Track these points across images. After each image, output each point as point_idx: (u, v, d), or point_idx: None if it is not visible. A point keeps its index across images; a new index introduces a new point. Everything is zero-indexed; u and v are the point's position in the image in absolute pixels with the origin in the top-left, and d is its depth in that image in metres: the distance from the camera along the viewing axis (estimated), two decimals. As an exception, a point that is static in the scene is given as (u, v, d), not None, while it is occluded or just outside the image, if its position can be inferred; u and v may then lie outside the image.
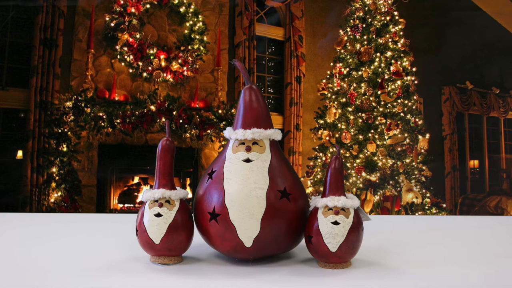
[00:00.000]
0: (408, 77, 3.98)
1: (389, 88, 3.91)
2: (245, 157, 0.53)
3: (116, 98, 4.15)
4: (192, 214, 0.58)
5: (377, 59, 3.96)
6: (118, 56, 4.29)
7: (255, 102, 0.55)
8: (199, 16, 4.68)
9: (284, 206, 0.52)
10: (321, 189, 4.20)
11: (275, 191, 0.51)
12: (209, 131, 4.42)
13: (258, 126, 0.54)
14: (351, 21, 4.19)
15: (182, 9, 4.64)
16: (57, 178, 3.82)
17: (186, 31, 4.65)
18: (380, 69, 3.95)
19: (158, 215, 0.55)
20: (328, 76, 4.31)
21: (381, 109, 3.87)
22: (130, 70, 4.36)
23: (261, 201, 0.51)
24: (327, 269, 0.54)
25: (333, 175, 0.56)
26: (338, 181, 0.56)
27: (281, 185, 0.52)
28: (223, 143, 4.61)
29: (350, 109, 3.98)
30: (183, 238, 0.56)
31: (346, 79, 4.10)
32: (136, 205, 4.58)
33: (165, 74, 4.43)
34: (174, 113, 4.23)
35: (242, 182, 0.52)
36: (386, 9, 4.12)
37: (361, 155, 3.86)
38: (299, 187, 0.55)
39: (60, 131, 3.83)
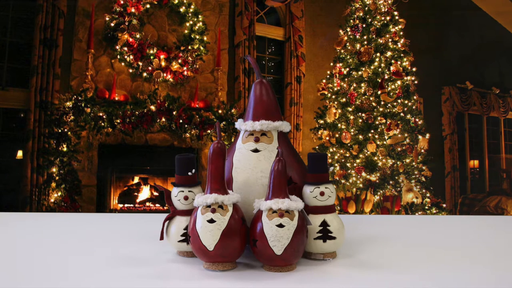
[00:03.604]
0: (408, 77, 3.98)
1: (389, 88, 3.91)
2: (254, 147, 0.56)
3: (116, 98, 4.15)
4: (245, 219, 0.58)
5: (377, 59, 3.96)
6: (118, 56, 4.29)
7: (265, 96, 0.58)
8: (199, 16, 4.68)
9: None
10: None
11: None
12: (209, 131, 4.42)
13: (266, 118, 0.56)
14: (351, 21, 4.19)
15: (182, 9, 4.64)
16: (57, 178, 3.81)
17: (186, 31, 4.65)
18: (380, 69, 3.95)
19: (211, 221, 0.54)
20: (328, 76, 4.31)
21: (381, 109, 3.87)
22: (130, 70, 4.35)
23: (266, 188, 0.54)
24: (272, 272, 0.54)
25: (276, 177, 0.54)
26: (282, 184, 0.55)
27: (287, 175, 0.56)
28: (223, 143, 4.60)
29: (350, 109, 3.98)
30: (237, 244, 0.55)
31: (346, 79, 4.10)
32: (136, 205, 4.58)
33: (165, 74, 4.43)
34: (174, 113, 4.23)
35: (250, 171, 0.54)
36: (386, 9, 4.12)
37: (361, 155, 3.86)
38: (304, 177, 0.57)
39: (60, 131, 3.83)
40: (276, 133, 0.57)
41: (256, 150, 0.55)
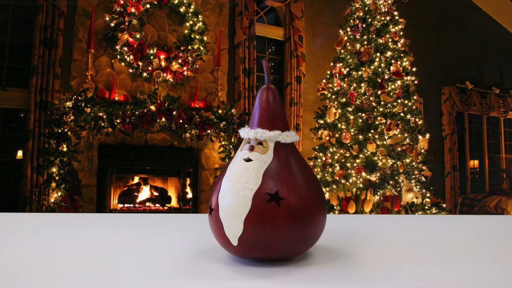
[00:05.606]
0: (408, 77, 3.98)
1: (389, 88, 3.91)
2: (246, 156, 0.52)
3: (116, 98, 4.16)
4: None
5: (377, 59, 3.96)
6: (118, 56, 4.29)
7: (267, 102, 0.54)
8: (199, 16, 4.69)
9: (270, 210, 0.48)
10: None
11: (264, 193, 0.48)
12: (209, 131, 4.42)
13: (264, 127, 0.53)
14: (351, 21, 4.19)
15: (182, 9, 4.64)
16: (57, 178, 3.82)
17: (186, 31, 4.66)
18: (380, 69, 3.96)
19: None
20: (328, 76, 4.31)
21: (381, 109, 3.87)
22: (130, 70, 4.36)
23: (246, 201, 0.49)
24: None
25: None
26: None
27: (273, 189, 0.50)
28: (223, 143, 4.61)
29: (350, 109, 3.98)
30: None
31: (346, 79, 4.10)
32: (136, 205, 4.59)
33: (165, 74, 4.43)
34: (174, 113, 4.23)
35: (236, 180, 0.50)
36: (386, 9, 4.13)
37: (361, 155, 3.86)
38: (302, 194, 0.49)
39: (60, 131, 3.83)
40: (273, 143, 0.53)
41: (248, 160, 0.52)
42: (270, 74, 0.55)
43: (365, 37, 4.06)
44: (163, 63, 4.43)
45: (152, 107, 4.14)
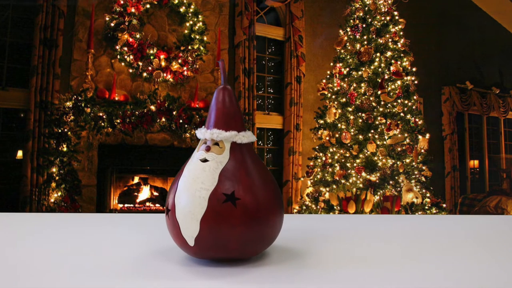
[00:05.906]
0: (408, 77, 3.98)
1: (389, 88, 3.91)
2: (203, 156, 0.52)
3: (116, 98, 4.16)
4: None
5: (377, 59, 3.96)
6: (118, 56, 4.29)
7: (223, 103, 0.54)
8: (199, 16, 4.69)
9: (226, 210, 0.48)
10: (321, 189, 4.19)
11: (220, 194, 0.48)
12: (209, 131, 4.42)
13: (219, 127, 0.53)
14: (351, 21, 4.19)
15: (182, 9, 4.64)
16: (57, 178, 3.82)
17: (186, 31, 4.66)
18: (380, 69, 3.96)
19: None
20: (328, 76, 4.31)
21: (381, 109, 3.87)
22: (130, 70, 4.36)
23: (202, 202, 0.49)
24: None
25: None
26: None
27: (230, 189, 0.50)
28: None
29: (350, 109, 3.98)
30: None
31: (346, 79, 4.10)
32: (136, 205, 4.59)
33: (165, 74, 4.43)
34: (174, 113, 4.23)
35: (192, 181, 0.51)
36: (386, 9, 4.13)
37: (361, 155, 3.86)
38: (258, 194, 0.50)
39: (60, 131, 3.83)
40: (229, 144, 0.53)
41: (205, 160, 0.52)
42: (227, 74, 0.56)
43: (365, 37, 4.06)
44: (163, 63, 4.43)
45: (152, 107, 4.14)
